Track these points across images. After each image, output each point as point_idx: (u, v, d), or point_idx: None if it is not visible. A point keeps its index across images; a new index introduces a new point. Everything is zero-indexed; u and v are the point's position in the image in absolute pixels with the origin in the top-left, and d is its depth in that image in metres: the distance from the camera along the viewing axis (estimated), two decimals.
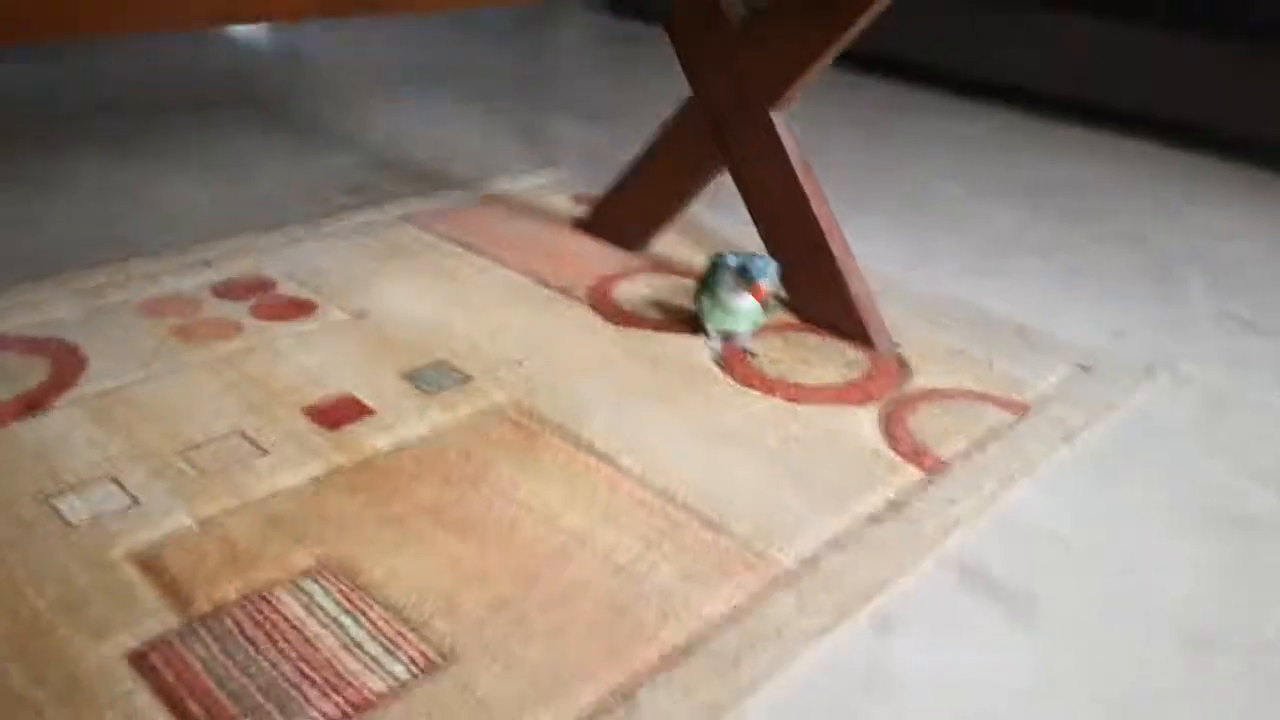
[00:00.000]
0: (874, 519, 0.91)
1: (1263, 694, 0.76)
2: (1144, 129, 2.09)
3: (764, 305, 1.15)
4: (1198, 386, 1.18)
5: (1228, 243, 1.60)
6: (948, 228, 1.62)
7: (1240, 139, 1.97)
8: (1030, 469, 1.00)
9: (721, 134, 1.30)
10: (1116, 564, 0.89)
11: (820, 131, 2.04)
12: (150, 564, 0.81)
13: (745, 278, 1.12)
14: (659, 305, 1.28)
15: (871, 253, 1.49)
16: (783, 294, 1.28)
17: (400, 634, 0.76)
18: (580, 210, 1.55)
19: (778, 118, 1.24)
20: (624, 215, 1.46)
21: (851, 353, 1.19)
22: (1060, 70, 2.11)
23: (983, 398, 1.11)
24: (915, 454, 1.01)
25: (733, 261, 1.14)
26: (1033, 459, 1.01)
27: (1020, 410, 1.09)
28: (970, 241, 1.57)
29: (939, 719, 0.72)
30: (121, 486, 0.89)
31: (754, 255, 1.14)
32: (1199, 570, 0.89)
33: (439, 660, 0.74)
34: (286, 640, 0.74)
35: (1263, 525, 0.95)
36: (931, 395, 1.12)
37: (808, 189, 1.23)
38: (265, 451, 0.95)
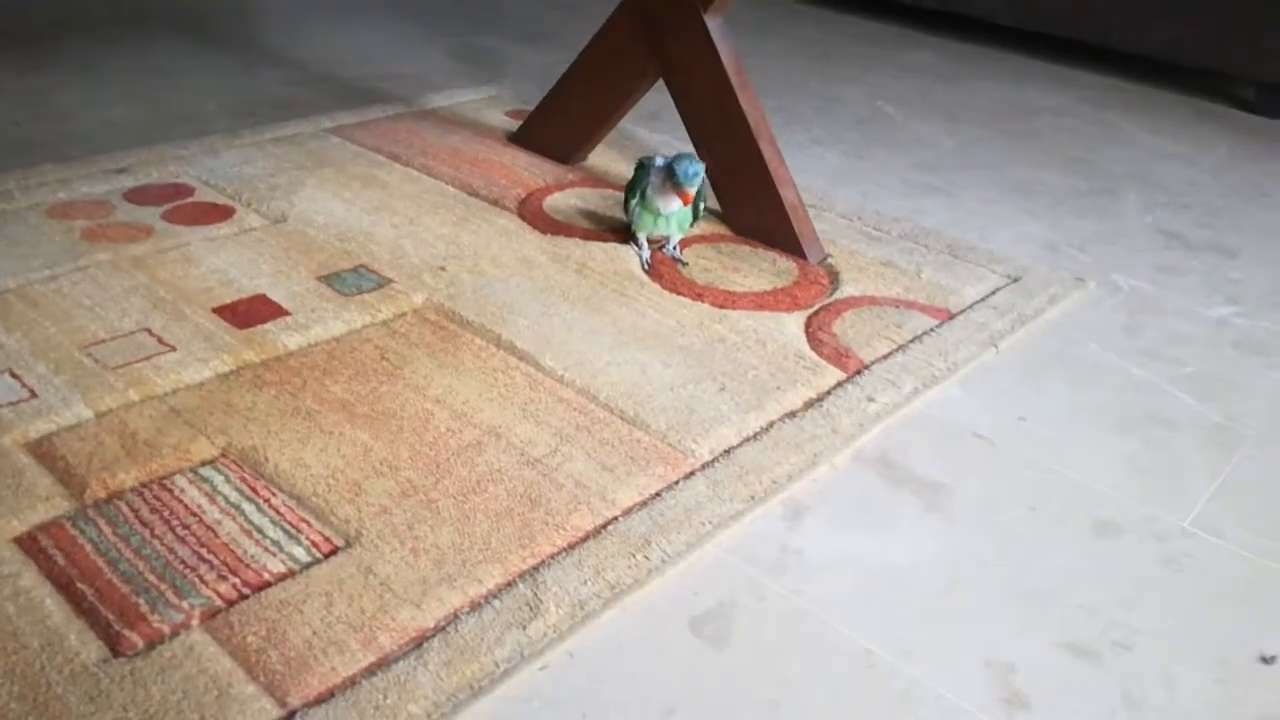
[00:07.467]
0: (792, 415, 0.91)
1: (1161, 576, 0.77)
2: (1094, 60, 2.09)
3: (692, 208, 1.13)
4: (1125, 296, 1.19)
5: (1167, 164, 1.60)
6: (889, 147, 1.61)
7: (1188, 69, 1.98)
8: (953, 370, 1.00)
9: (655, 41, 1.27)
10: (1033, 460, 0.89)
11: (768, 58, 2.01)
12: (44, 452, 0.78)
13: (673, 180, 1.10)
14: (590, 216, 1.26)
15: (809, 168, 1.48)
16: (716, 206, 1.27)
17: (303, 520, 0.74)
18: (514, 125, 1.51)
19: (713, 22, 1.21)
20: (557, 129, 1.42)
21: (782, 262, 1.18)
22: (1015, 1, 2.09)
23: (909, 305, 1.11)
24: (838, 356, 1.00)
25: (660, 162, 1.12)
26: (956, 361, 1.01)
27: (946, 316, 1.09)
28: (910, 160, 1.56)
29: (841, 595, 0.72)
30: (19, 379, 0.86)
31: (681, 155, 1.12)
32: (1114, 466, 0.89)
33: (342, 544, 0.72)
34: (184, 525, 0.72)
35: (1178, 425, 0.95)
36: (858, 302, 1.11)
37: (741, 96, 1.20)
38: (171, 348, 0.92)
